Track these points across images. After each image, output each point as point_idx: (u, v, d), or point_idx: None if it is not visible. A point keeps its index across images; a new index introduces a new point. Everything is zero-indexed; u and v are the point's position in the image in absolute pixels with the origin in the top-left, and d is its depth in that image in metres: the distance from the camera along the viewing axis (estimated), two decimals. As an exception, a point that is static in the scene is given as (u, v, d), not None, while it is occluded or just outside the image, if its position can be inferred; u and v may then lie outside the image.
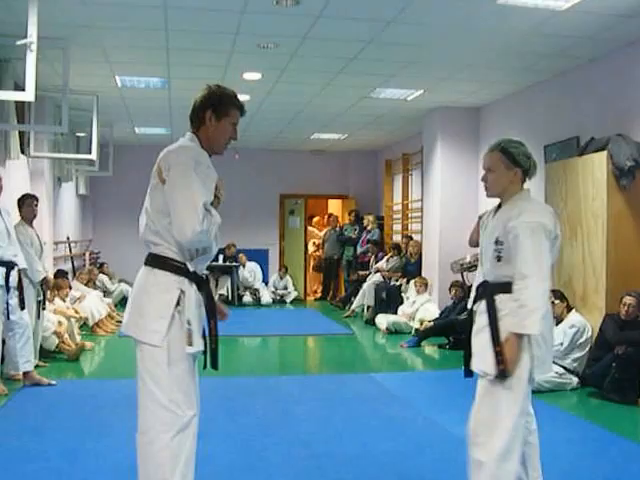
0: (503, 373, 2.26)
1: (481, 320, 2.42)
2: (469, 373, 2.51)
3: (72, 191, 9.39)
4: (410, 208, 9.77)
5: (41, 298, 5.22)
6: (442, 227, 7.81)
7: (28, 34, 3.85)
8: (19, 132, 6.15)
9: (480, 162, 9.33)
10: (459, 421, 4.02)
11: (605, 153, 4.95)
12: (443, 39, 5.19)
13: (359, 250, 10.22)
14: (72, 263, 9.03)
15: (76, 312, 6.59)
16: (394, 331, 7.59)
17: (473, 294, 2.58)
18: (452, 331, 6.66)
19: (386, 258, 9.15)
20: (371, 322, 8.24)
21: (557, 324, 4.72)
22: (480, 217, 5.81)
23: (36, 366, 5.04)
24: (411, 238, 9.05)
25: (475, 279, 2.69)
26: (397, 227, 10.29)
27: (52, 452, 3.37)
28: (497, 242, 2.38)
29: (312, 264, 12.11)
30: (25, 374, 4.75)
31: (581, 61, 5.70)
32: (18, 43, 3.90)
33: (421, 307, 7.59)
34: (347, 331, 8.02)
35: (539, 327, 2.24)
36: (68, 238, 8.85)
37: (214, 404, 3.96)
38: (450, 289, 7.10)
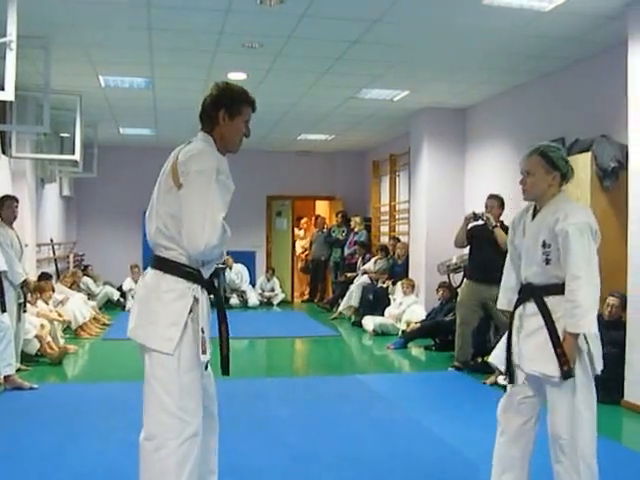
0: (568, 373, 2.34)
1: (532, 323, 2.46)
2: (512, 378, 2.57)
3: (56, 192, 9.29)
4: (397, 209, 9.78)
5: (22, 301, 5.14)
6: (429, 228, 7.81)
7: (7, 32, 3.80)
8: (0, 132, 6.07)
9: (466, 163, 9.32)
10: (445, 422, 4.05)
11: (589, 154, 4.97)
12: (428, 40, 5.19)
13: (346, 252, 10.20)
14: (56, 265, 8.92)
15: (59, 315, 6.51)
16: (381, 333, 7.57)
17: (507, 297, 2.64)
18: (439, 332, 6.66)
19: (374, 260, 9.14)
20: (358, 324, 8.22)
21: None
22: (467, 218, 5.80)
23: (18, 370, 4.96)
24: (398, 240, 9.05)
25: (505, 282, 2.71)
26: (384, 228, 10.29)
27: (32, 456, 3.31)
28: (544, 245, 2.43)
29: (300, 266, 12.07)
30: (6, 378, 4.67)
31: (566, 62, 5.72)
32: (-3, 41, 3.84)
33: (408, 309, 7.59)
34: (334, 333, 7.99)
35: (595, 325, 2.34)
36: (52, 240, 8.75)
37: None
38: (437, 290, 7.10)
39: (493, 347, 5.22)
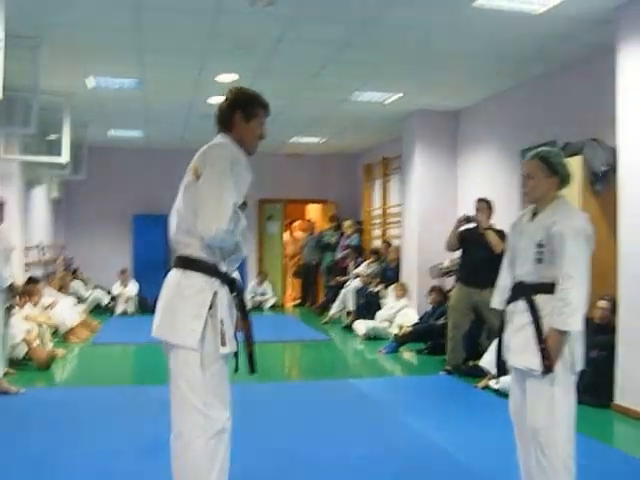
0: (549, 368, 2.40)
1: (521, 319, 2.52)
2: (502, 371, 2.72)
3: (44, 195, 9.20)
4: (389, 213, 9.77)
5: (9, 304, 5.08)
6: (421, 232, 7.80)
7: (-5, 32, 3.76)
8: (-13, 134, 6.00)
9: (458, 166, 9.32)
10: (436, 426, 4.03)
11: (580, 158, 4.98)
12: (420, 42, 5.19)
13: (338, 255, 10.17)
14: (44, 269, 8.83)
15: (48, 319, 6.43)
16: (373, 337, 7.54)
17: (502, 295, 2.69)
18: (431, 336, 6.64)
19: (366, 263, 9.12)
20: (350, 328, 8.19)
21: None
22: (460, 220, 5.79)
23: (4, 374, 4.91)
24: (390, 244, 9.03)
25: (501, 282, 2.76)
26: (377, 232, 10.27)
27: (19, 461, 3.27)
28: (539, 245, 2.51)
29: (292, 270, 12.02)
30: (-8, 382, 4.62)
31: (558, 65, 5.74)
32: (-15, 41, 3.79)
33: (400, 312, 7.57)
34: (325, 337, 7.95)
35: (581, 324, 2.40)
36: (39, 244, 8.65)
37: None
38: (429, 294, 7.09)
39: (484, 351, 5.21)
